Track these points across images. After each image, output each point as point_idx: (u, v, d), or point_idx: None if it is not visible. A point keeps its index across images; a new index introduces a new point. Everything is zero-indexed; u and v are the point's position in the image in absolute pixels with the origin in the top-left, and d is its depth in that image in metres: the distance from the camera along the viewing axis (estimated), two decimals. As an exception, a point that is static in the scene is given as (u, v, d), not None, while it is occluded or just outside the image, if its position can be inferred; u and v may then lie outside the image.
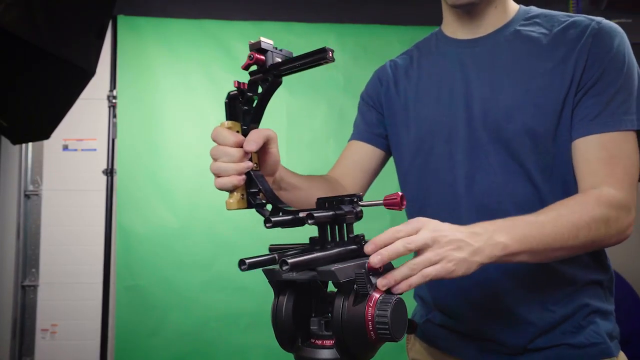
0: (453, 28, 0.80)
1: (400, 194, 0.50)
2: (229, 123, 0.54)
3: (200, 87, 2.08)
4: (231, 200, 0.53)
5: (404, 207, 0.51)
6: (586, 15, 0.71)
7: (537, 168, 0.68)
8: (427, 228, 0.52)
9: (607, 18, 0.71)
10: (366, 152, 0.86)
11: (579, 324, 0.69)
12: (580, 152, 0.66)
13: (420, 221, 0.53)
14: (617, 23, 0.69)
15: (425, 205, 0.77)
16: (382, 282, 0.48)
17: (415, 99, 0.80)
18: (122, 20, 2.09)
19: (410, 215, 0.81)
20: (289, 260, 0.42)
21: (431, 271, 0.51)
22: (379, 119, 0.86)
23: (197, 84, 2.07)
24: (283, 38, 2.07)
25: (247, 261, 0.46)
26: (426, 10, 2.16)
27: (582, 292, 0.70)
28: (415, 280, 0.50)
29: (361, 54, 2.18)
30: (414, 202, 0.79)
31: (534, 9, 0.75)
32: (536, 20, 0.73)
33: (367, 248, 0.50)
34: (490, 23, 0.75)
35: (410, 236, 0.51)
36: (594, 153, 0.65)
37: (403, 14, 2.15)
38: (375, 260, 0.48)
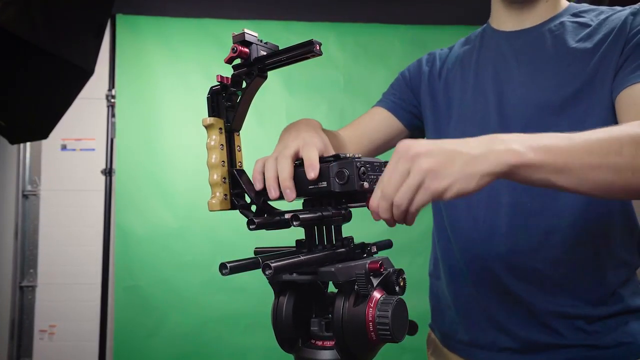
0: (500, 19, 0.79)
1: None
2: (211, 119, 0.52)
3: (199, 87, 2.07)
4: (214, 201, 0.50)
5: None
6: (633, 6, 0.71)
7: None
8: (407, 147, 0.46)
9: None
10: (386, 121, 0.85)
11: (610, 326, 0.65)
12: (624, 102, 0.61)
13: (399, 147, 0.47)
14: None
15: None
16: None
17: (458, 89, 0.79)
18: (120, 19, 2.08)
19: (439, 206, 0.82)
20: (272, 264, 0.41)
21: (421, 197, 0.45)
22: (411, 99, 0.86)
23: (196, 83, 2.07)
24: (283, 37, 2.07)
25: (228, 265, 0.44)
26: (427, 9, 2.17)
27: (624, 288, 0.66)
28: (409, 217, 0.46)
29: (361, 53, 2.17)
30: None
31: (585, 6, 0.75)
32: (583, 14, 0.73)
33: (373, 204, 0.47)
34: (537, 15, 0.75)
35: (389, 170, 0.46)
36: None
37: (403, 13, 2.15)
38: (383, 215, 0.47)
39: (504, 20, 0.78)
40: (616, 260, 0.68)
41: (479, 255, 0.72)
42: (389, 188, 0.46)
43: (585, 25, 0.71)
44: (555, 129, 0.55)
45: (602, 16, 0.71)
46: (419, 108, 0.86)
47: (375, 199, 0.48)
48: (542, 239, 0.68)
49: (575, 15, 0.74)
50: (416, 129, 0.88)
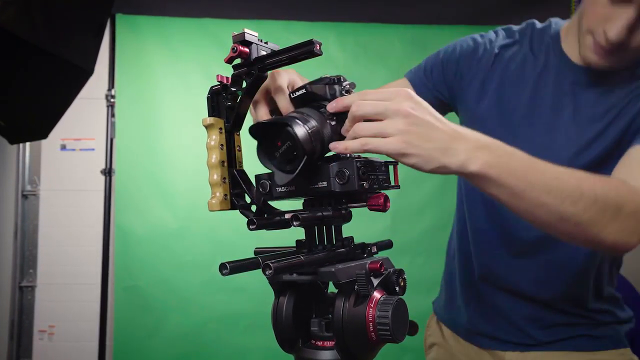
0: (573, 51, 0.71)
1: (384, 194, 0.49)
2: (211, 119, 0.51)
3: (199, 87, 2.07)
4: (213, 201, 0.50)
5: (387, 208, 0.48)
6: None
7: None
8: (408, 99, 0.46)
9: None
10: None
11: (600, 321, 0.74)
12: (628, 157, 0.62)
13: (402, 91, 0.47)
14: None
15: None
16: (330, 105, 0.48)
17: (505, 95, 0.75)
18: (120, 18, 2.08)
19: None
20: (273, 265, 0.41)
21: (376, 144, 0.45)
22: (441, 88, 0.81)
23: (196, 83, 2.06)
24: (283, 37, 2.07)
25: (228, 265, 0.44)
26: (427, 9, 2.17)
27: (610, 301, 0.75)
28: (353, 146, 0.46)
29: (361, 53, 2.17)
30: None
31: None
32: None
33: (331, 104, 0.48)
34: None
35: (381, 101, 0.46)
36: None
37: (403, 13, 2.15)
38: (331, 106, 0.47)
39: (576, 55, 0.70)
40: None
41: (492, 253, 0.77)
42: (362, 110, 0.46)
43: None
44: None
45: None
46: (446, 96, 0.82)
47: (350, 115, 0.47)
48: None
49: None
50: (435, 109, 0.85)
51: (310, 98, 0.51)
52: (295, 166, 0.46)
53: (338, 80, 0.51)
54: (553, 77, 0.72)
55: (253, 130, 0.48)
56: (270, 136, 0.47)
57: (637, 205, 0.53)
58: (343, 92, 0.51)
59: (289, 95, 0.52)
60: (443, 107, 0.83)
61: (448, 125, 0.47)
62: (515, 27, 0.80)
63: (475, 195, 0.78)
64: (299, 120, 0.46)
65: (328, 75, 0.51)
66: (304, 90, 0.51)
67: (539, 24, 0.78)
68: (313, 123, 0.47)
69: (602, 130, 0.68)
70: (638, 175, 0.57)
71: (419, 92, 0.81)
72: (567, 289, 0.74)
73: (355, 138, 0.46)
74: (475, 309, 0.80)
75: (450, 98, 0.82)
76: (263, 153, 0.48)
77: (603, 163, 0.67)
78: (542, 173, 0.50)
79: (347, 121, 0.48)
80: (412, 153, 0.45)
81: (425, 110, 0.46)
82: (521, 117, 0.73)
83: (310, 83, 0.51)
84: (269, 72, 0.51)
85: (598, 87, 0.69)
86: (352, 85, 0.52)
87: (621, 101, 0.67)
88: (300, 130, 0.45)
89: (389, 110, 0.45)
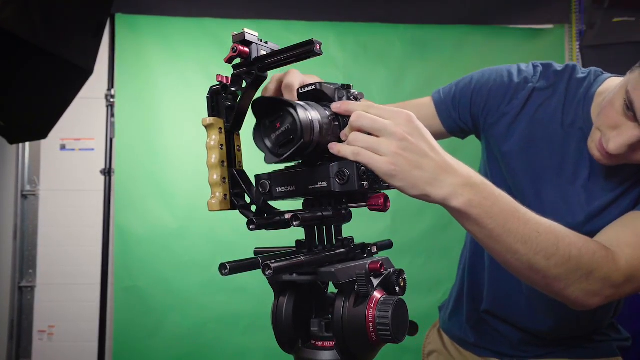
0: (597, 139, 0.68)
1: (384, 194, 0.49)
2: (211, 119, 0.51)
3: (199, 86, 2.07)
4: (213, 201, 0.50)
5: (387, 209, 0.48)
6: None
7: None
8: (407, 123, 0.46)
9: (609, 17, 0.68)
10: (427, 114, 0.82)
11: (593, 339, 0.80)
12: (623, 218, 0.62)
13: (404, 114, 0.47)
14: (620, 22, 0.66)
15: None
16: (335, 105, 0.49)
17: (531, 139, 0.73)
18: (120, 18, 2.08)
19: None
20: (272, 265, 0.41)
21: (367, 158, 0.45)
22: (465, 116, 0.80)
23: (196, 83, 2.06)
24: (282, 37, 2.07)
25: (228, 265, 0.44)
26: (427, 9, 2.17)
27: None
28: (345, 151, 0.46)
29: (361, 52, 2.17)
30: None
31: None
32: None
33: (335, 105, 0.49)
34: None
35: (382, 119, 0.46)
36: (636, 225, 0.60)
37: (403, 13, 2.15)
38: (335, 105, 0.49)
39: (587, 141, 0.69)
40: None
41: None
42: (360, 122, 0.47)
43: None
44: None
45: None
46: (470, 126, 0.81)
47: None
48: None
49: None
50: (455, 134, 0.84)
51: (318, 96, 0.51)
52: (288, 150, 0.46)
53: (347, 87, 0.52)
54: (577, 138, 0.70)
55: (256, 104, 0.48)
56: (271, 115, 0.48)
57: (608, 272, 0.55)
58: (351, 97, 0.52)
59: (298, 90, 0.52)
60: (464, 133, 0.83)
61: (441, 155, 0.48)
62: (555, 67, 0.76)
63: None
64: (304, 107, 0.47)
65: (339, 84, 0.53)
66: (313, 87, 0.51)
67: (579, 72, 0.74)
68: (316, 116, 0.47)
69: (614, 200, 0.67)
70: (622, 239, 0.58)
71: (442, 120, 0.81)
72: (575, 328, 0.78)
73: (352, 141, 0.47)
74: (478, 330, 0.84)
75: (473, 128, 0.81)
76: (259, 132, 0.49)
77: None
78: (523, 223, 0.50)
79: (347, 127, 0.49)
80: (398, 177, 0.46)
81: (422, 137, 0.47)
82: (545, 169, 0.72)
83: (321, 82, 0.52)
84: (288, 69, 0.52)
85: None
86: (361, 94, 0.54)
87: (637, 173, 0.67)
88: (303, 114, 0.46)
89: (386, 129, 0.46)
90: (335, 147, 0.47)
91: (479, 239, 0.52)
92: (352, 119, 0.47)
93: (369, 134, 0.47)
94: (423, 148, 0.46)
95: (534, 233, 0.51)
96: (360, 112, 0.47)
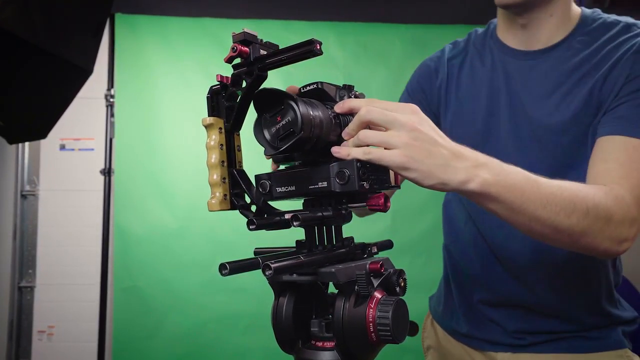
0: (505, 34, 0.77)
1: (384, 194, 0.48)
2: (211, 119, 0.51)
3: (199, 86, 2.07)
4: (213, 201, 0.50)
5: (388, 209, 0.48)
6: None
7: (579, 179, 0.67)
8: (414, 113, 0.47)
9: (609, 15, 0.69)
10: None
11: (599, 327, 0.73)
12: (599, 151, 0.64)
13: (410, 106, 0.48)
14: (620, 21, 0.68)
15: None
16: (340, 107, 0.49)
17: (464, 102, 0.79)
18: (119, 18, 2.08)
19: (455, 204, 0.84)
20: (273, 265, 0.41)
21: (379, 155, 0.45)
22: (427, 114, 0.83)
23: (195, 82, 2.06)
24: (282, 36, 2.06)
25: (228, 265, 0.44)
26: (427, 8, 2.17)
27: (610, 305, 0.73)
28: (356, 153, 0.46)
29: (361, 52, 2.17)
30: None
31: (597, 15, 0.72)
32: (594, 33, 0.70)
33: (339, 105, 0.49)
34: (545, 37, 0.72)
35: (389, 111, 0.46)
36: (614, 153, 0.62)
37: (403, 12, 2.15)
38: (338, 106, 0.48)
39: (509, 37, 0.76)
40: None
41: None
42: (370, 115, 0.46)
43: (593, 53, 0.69)
44: (564, 158, 0.66)
45: (613, 42, 0.68)
46: (439, 120, 0.84)
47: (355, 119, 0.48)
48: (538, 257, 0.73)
49: (586, 34, 0.70)
50: None
51: (320, 96, 0.51)
52: (287, 143, 0.46)
53: (349, 87, 0.53)
54: (502, 72, 0.75)
55: (257, 97, 0.48)
56: (272, 109, 0.48)
57: (622, 212, 0.56)
58: (352, 97, 0.52)
59: (300, 89, 0.52)
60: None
61: (449, 142, 0.48)
62: (460, 39, 0.84)
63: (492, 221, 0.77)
64: (306, 102, 0.47)
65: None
66: (315, 86, 0.51)
67: (480, 29, 0.82)
68: (317, 112, 0.47)
69: (558, 105, 0.69)
70: (613, 174, 0.60)
71: None
72: (568, 304, 0.74)
73: (358, 145, 0.47)
74: (471, 319, 0.81)
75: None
76: (260, 125, 0.49)
77: (574, 124, 0.68)
78: (537, 188, 0.52)
79: (352, 124, 0.48)
80: (412, 167, 0.46)
81: (430, 127, 0.48)
82: (483, 123, 0.76)
83: (322, 82, 0.52)
84: None
85: (543, 64, 0.72)
86: (362, 95, 0.54)
87: (570, 76, 0.69)
88: (304, 108, 0.45)
89: (397, 121, 0.46)
90: (343, 151, 0.47)
91: (500, 216, 0.52)
92: (361, 112, 0.47)
93: (369, 130, 0.47)
94: (433, 136, 0.47)
95: (550, 196, 0.52)
96: (369, 106, 0.47)
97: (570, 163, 0.68)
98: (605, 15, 0.72)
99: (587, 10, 0.73)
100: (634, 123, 0.62)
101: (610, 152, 0.62)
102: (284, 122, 0.47)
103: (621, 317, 0.74)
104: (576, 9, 0.73)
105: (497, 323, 0.77)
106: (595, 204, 0.55)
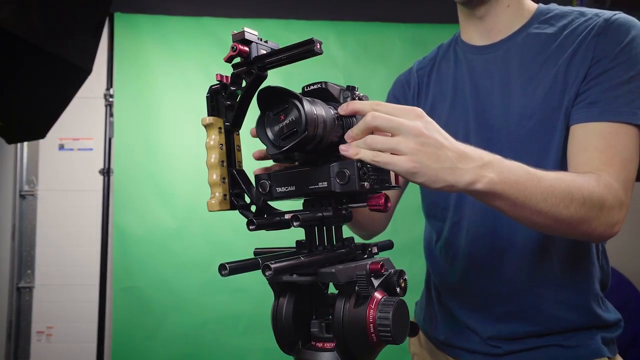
0: (468, 33, 0.79)
1: (384, 194, 0.48)
2: (211, 119, 0.51)
3: (198, 86, 2.06)
4: (213, 201, 0.50)
5: (388, 209, 0.48)
6: (598, 11, 0.69)
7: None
8: (420, 117, 0.47)
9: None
10: None
11: (577, 329, 0.70)
12: (576, 140, 0.65)
13: (414, 109, 0.48)
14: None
15: (446, 208, 0.79)
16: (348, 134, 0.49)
17: (434, 104, 0.81)
18: (119, 17, 2.07)
19: (435, 214, 0.85)
20: (272, 265, 0.41)
21: (387, 160, 0.46)
22: None
23: (195, 82, 2.06)
24: (282, 36, 2.06)
25: (228, 266, 0.44)
26: (427, 8, 2.17)
27: (593, 300, 0.71)
28: (364, 155, 0.46)
29: (362, 52, 2.17)
30: (435, 205, 0.83)
31: (553, 7, 0.74)
32: (551, 21, 0.72)
33: (343, 106, 0.49)
34: (503, 26, 0.74)
35: (394, 115, 0.47)
36: (592, 142, 0.63)
37: (404, 12, 2.15)
38: (342, 108, 0.49)
39: (470, 33, 0.78)
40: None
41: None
42: (377, 122, 0.47)
43: (552, 37, 0.70)
44: (530, 143, 0.67)
45: (569, 27, 0.69)
46: None
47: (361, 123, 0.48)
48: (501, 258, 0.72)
49: (543, 22, 0.72)
50: None
51: (323, 95, 0.51)
52: (290, 142, 0.46)
53: (353, 88, 0.53)
54: (466, 68, 0.77)
55: (261, 95, 0.48)
56: (275, 107, 0.48)
57: (612, 197, 0.59)
58: (355, 99, 0.52)
59: (303, 88, 0.52)
60: None
61: (454, 144, 0.49)
62: (428, 55, 0.87)
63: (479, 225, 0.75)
64: (310, 101, 0.47)
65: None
66: (319, 86, 0.51)
67: (447, 41, 0.85)
68: (321, 112, 0.47)
69: (531, 89, 0.70)
70: (594, 161, 0.61)
71: None
72: (543, 302, 0.71)
73: (365, 148, 0.47)
74: (449, 325, 0.79)
75: None
76: (263, 124, 0.49)
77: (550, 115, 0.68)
78: (537, 182, 0.54)
79: (356, 128, 0.48)
80: (421, 173, 0.47)
81: (435, 129, 0.48)
82: (448, 114, 0.77)
83: (326, 82, 0.52)
84: None
85: (504, 54, 0.73)
86: (365, 97, 0.54)
87: (533, 61, 0.70)
88: (308, 108, 0.45)
89: (403, 127, 0.46)
90: (351, 150, 0.47)
91: (504, 211, 0.54)
92: (367, 118, 0.47)
93: (376, 135, 0.47)
94: (439, 139, 0.47)
95: (549, 188, 0.54)
96: (375, 112, 0.47)
97: (537, 147, 0.69)
98: (561, 6, 0.74)
99: (543, 5, 0.75)
100: (606, 108, 0.63)
101: (589, 140, 0.63)
102: (287, 120, 0.47)
103: (601, 318, 0.70)
104: (531, 2, 0.76)
105: (472, 330, 0.75)
106: (590, 192, 0.57)
